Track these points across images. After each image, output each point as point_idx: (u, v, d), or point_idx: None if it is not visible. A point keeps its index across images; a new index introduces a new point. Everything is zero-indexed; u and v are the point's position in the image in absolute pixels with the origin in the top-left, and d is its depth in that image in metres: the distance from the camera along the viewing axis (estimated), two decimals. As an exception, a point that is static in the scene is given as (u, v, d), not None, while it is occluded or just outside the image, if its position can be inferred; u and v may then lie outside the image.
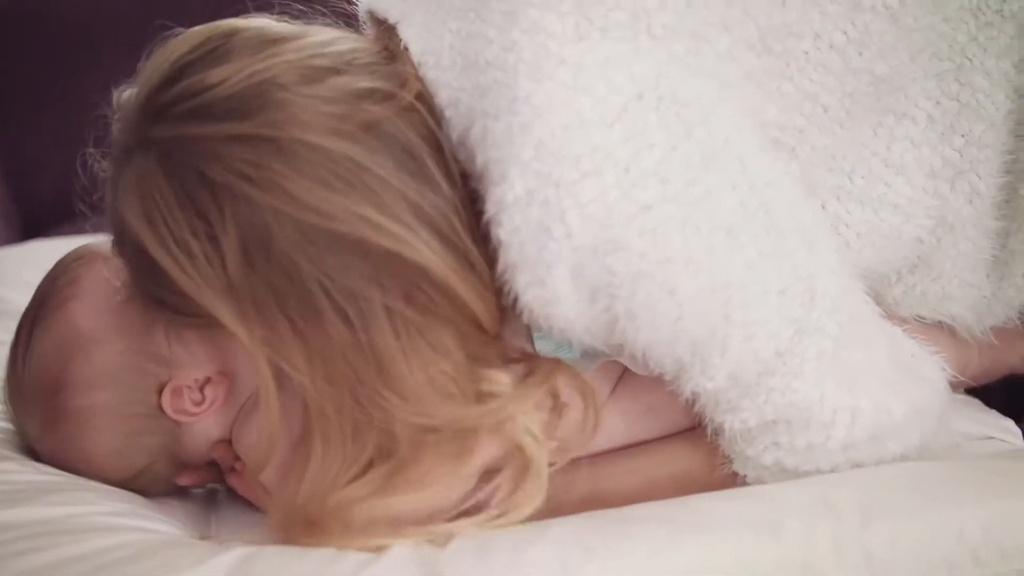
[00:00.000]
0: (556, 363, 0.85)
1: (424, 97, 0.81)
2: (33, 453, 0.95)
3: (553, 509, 0.83)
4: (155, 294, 0.82)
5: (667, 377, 0.83)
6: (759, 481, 0.84)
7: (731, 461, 0.85)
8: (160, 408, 0.91)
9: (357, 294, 0.77)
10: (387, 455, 0.80)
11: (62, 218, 0.94)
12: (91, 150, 0.86)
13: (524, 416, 0.82)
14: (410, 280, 0.78)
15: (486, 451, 0.83)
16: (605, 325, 0.80)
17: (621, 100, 0.76)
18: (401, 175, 0.78)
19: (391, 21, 0.84)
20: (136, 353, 0.90)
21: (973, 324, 0.95)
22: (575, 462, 0.90)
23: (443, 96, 0.81)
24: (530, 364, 0.85)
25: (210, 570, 0.76)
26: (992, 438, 0.92)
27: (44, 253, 1.19)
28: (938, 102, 0.88)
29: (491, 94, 0.78)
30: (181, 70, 0.80)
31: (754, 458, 0.83)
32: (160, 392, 0.91)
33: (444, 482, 0.82)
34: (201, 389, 0.91)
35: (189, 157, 0.77)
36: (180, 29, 0.84)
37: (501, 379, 0.82)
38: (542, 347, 0.89)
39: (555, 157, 0.75)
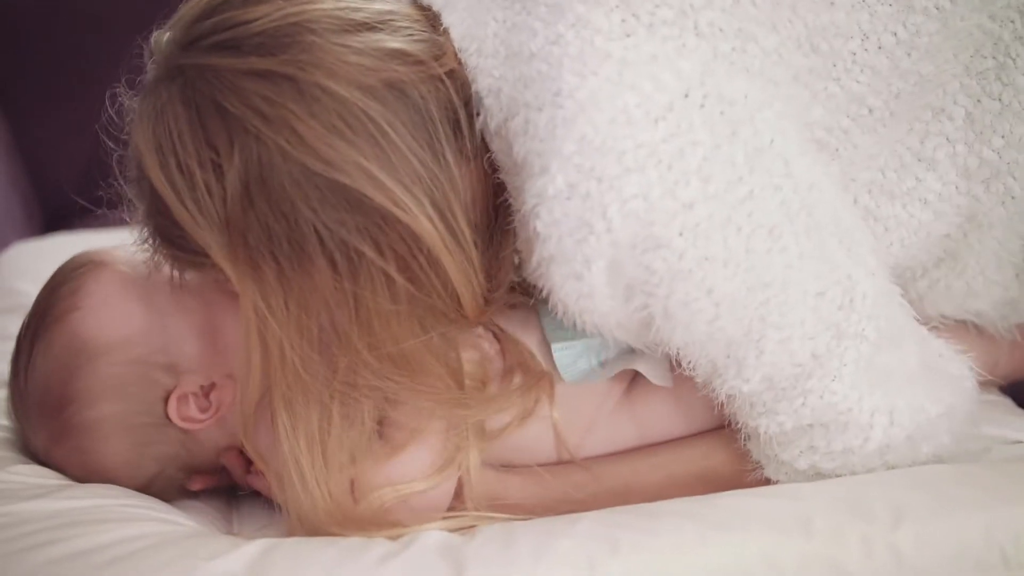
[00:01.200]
0: (544, 378, 0.87)
1: (456, 75, 0.81)
2: (42, 464, 0.92)
3: (578, 503, 0.84)
4: (163, 229, 0.82)
5: (699, 380, 0.83)
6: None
7: (762, 466, 0.85)
8: (167, 417, 0.90)
9: (350, 245, 0.77)
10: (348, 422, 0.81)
11: (86, 211, 0.94)
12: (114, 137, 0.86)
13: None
14: (404, 245, 0.77)
15: (431, 440, 0.85)
16: (640, 322, 0.80)
17: (667, 98, 0.76)
18: (411, 140, 0.78)
19: (435, 8, 0.84)
20: (141, 363, 0.89)
21: (997, 321, 0.95)
22: (596, 459, 0.89)
23: (483, 84, 0.81)
24: (524, 374, 0.86)
25: (233, 560, 0.76)
26: (1022, 442, 0.91)
27: (63, 247, 1.18)
28: (979, 100, 0.87)
29: (534, 86, 0.78)
30: (219, 5, 0.80)
31: (788, 463, 0.83)
32: (166, 400, 0.90)
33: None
34: (207, 395, 0.90)
35: (209, 87, 0.77)
36: None
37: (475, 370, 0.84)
38: (561, 357, 0.89)
39: (598, 152, 0.75)
